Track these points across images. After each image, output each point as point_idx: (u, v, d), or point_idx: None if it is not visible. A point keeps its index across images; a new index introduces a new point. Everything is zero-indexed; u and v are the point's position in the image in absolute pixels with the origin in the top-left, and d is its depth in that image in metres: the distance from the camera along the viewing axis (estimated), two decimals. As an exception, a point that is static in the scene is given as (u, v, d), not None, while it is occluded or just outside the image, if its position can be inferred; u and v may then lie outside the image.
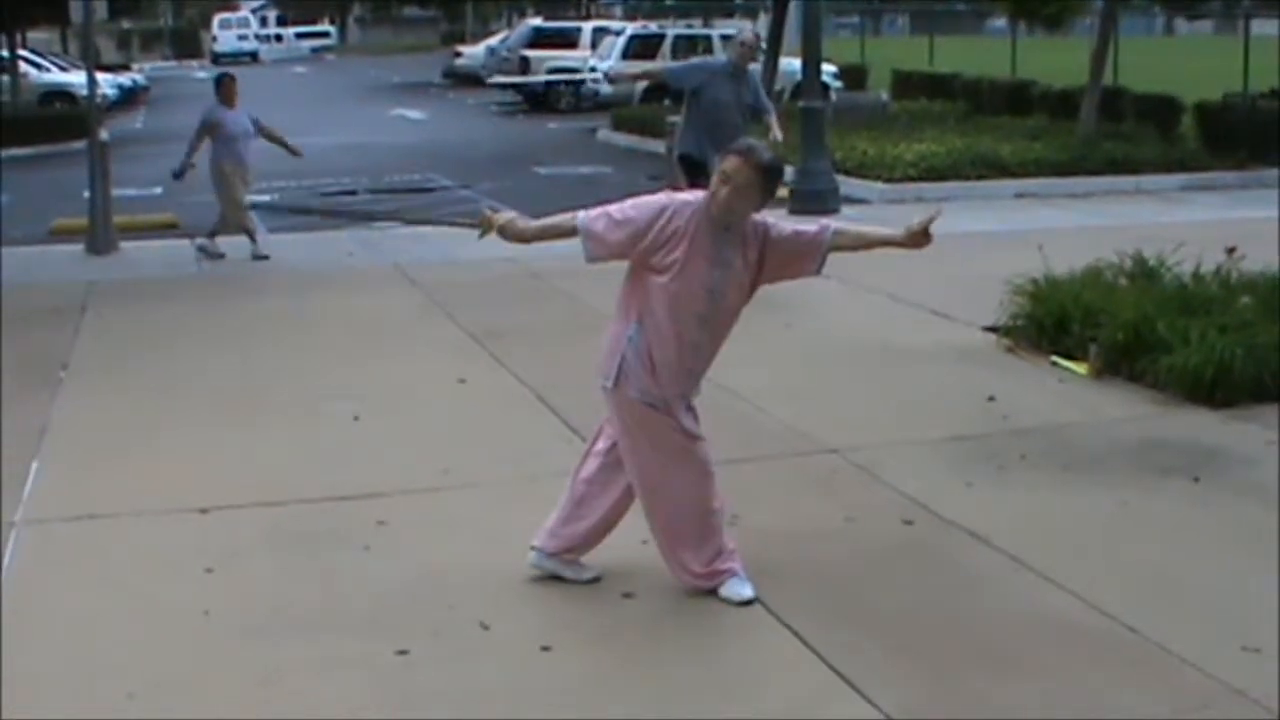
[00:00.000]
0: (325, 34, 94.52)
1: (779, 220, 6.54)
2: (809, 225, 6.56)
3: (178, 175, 16.23)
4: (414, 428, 9.30)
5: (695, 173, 14.03)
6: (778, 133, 14.59)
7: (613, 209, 6.28)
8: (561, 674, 5.80)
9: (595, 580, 6.67)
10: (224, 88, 16.14)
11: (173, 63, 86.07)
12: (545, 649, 5.98)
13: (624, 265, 6.37)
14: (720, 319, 6.40)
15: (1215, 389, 9.67)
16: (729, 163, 6.23)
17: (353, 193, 22.31)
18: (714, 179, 6.25)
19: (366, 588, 6.67)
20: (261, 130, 16.25)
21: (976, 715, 5.44)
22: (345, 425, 9.33)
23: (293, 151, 16.61)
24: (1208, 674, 5.74)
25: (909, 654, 5.95)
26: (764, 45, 35.16)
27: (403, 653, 5.94)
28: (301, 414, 9.63)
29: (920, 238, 6.40)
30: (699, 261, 6.20)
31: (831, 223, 6.63)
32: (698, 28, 44.51)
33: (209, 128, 15.92)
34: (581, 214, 6.34)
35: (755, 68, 15.27)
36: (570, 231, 6.35)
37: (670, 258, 6.19)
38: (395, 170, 25.20)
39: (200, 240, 16.09)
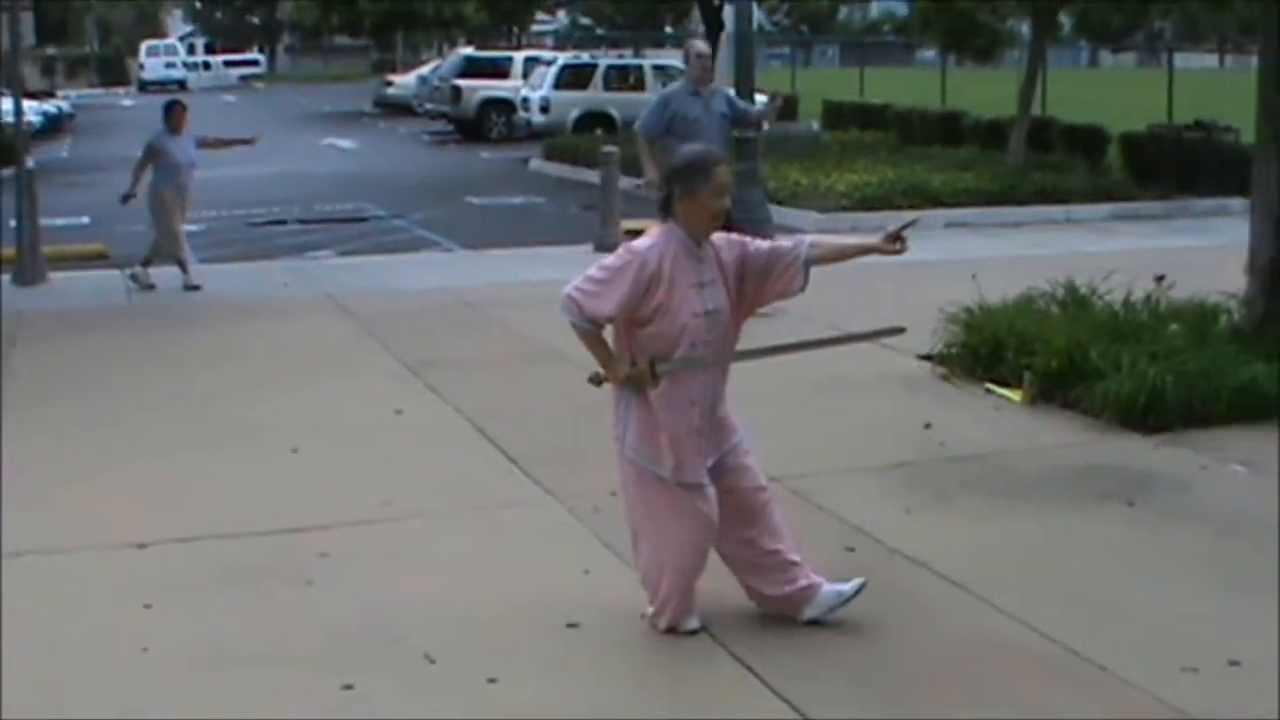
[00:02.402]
0: (254, 62, 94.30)
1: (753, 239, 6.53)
2: (785, 240, 6.55)
3: (125, 199, 16.10)
4: (353, 459, 9.27)
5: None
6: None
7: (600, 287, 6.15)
8: (509, 706, 5.78)
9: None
10: (173, 115, 16.04)
11: (99, 90, 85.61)
12: (492, 681, 5.96)
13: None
14: (723, 337, 6.33)
15: (1147, 415, 9.78)
16: (725, 173, 6.19)
17: (283, 222, 22.23)
18: (706, 194, 6.12)
19: (310, 622, 6.63)
20: (208, 144, 16.21)
21: (924, 741, 5.48)
22: (283, 457, 9.29)
23: (245, 141, 16.60)
24: (1150, 694, 5.81)
25: (859, 681, 5.98)
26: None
27: (348, 687, 5.91)
28: (239, 446, 9.59)
29: (897, 244, 6.37)
30: (684, 293, 6.15)
31: (807, 236, 6.58)
32: (629, 58, 44.58)
33: (154, 154, 15.82)
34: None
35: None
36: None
37: (653, 303, 6.14)
38: (327, 199, 25.16)
39: (132, 269, 15.98)
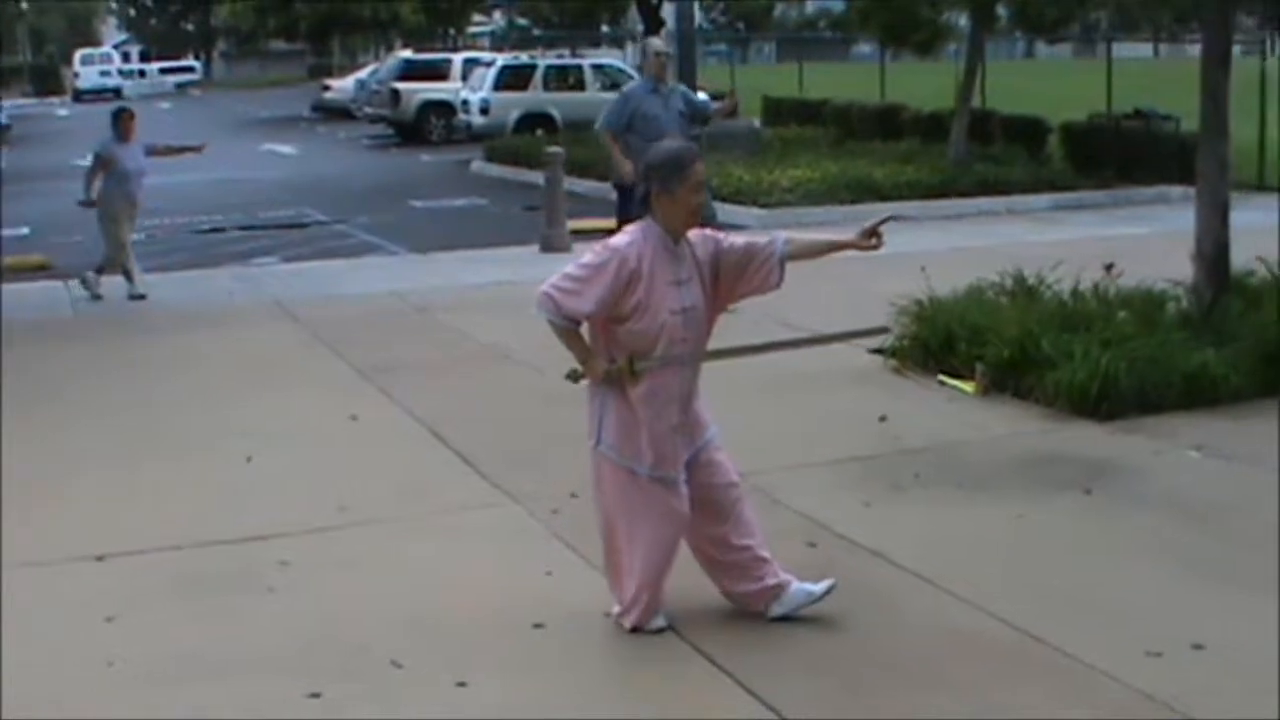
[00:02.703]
0: (190, 69, 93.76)
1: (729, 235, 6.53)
2: (759, 236, 6.55)
3: (85, 205, 15.90)
4: (308, 466, 9.23)
5: (629, 202, 13.89)
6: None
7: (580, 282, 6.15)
8: (480, 709, 5.77)
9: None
10: (121, 123, 15.86)
11: (33, 100, 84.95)
12: (461, 684, 5.95)
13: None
14: (699, 334, 6.34)
15: (1100, 402, 9.84)
16: (701, 169, 6.20)
17: (224, 229, 22.10)
18: (684, 191, 6.12)
19: (274, 630, 6.59)
20: (157, 151, 16.09)
21: (896, 732, 5.50)
22: (238, 465, 9.23)
23: (195, 149, 16.52)
24: (1116, 680, 5.85)
25: (826, 674, 6.00)
26: (635, 75, 35.42)
27: (315, 695, 5.88)
28: (193, 455, 9.52)
29: (872, 239, 6.40)
30: (662, 290, 6.15)
31: (782, 233, 6.57)
32: (568, 58, 44.54)
33: (104, 163, 15.66)
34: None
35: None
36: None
37: (632, 300, 6.14)
38: (268, 206, 25.03)
39: (84, 274, 15.82)
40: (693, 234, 6.30)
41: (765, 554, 6.50)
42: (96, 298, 15.57)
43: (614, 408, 6.25)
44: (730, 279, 6.37)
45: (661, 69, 13.99)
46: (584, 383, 6.41)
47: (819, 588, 6.49)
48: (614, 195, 14.58)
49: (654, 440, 6.21)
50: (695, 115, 14.24)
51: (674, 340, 6.19)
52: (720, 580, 6.55)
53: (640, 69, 28.50)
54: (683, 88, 14.84)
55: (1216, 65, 11.21)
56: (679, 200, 6.13)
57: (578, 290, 6.08)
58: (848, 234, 6.54)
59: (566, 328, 6.17)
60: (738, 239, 6.49)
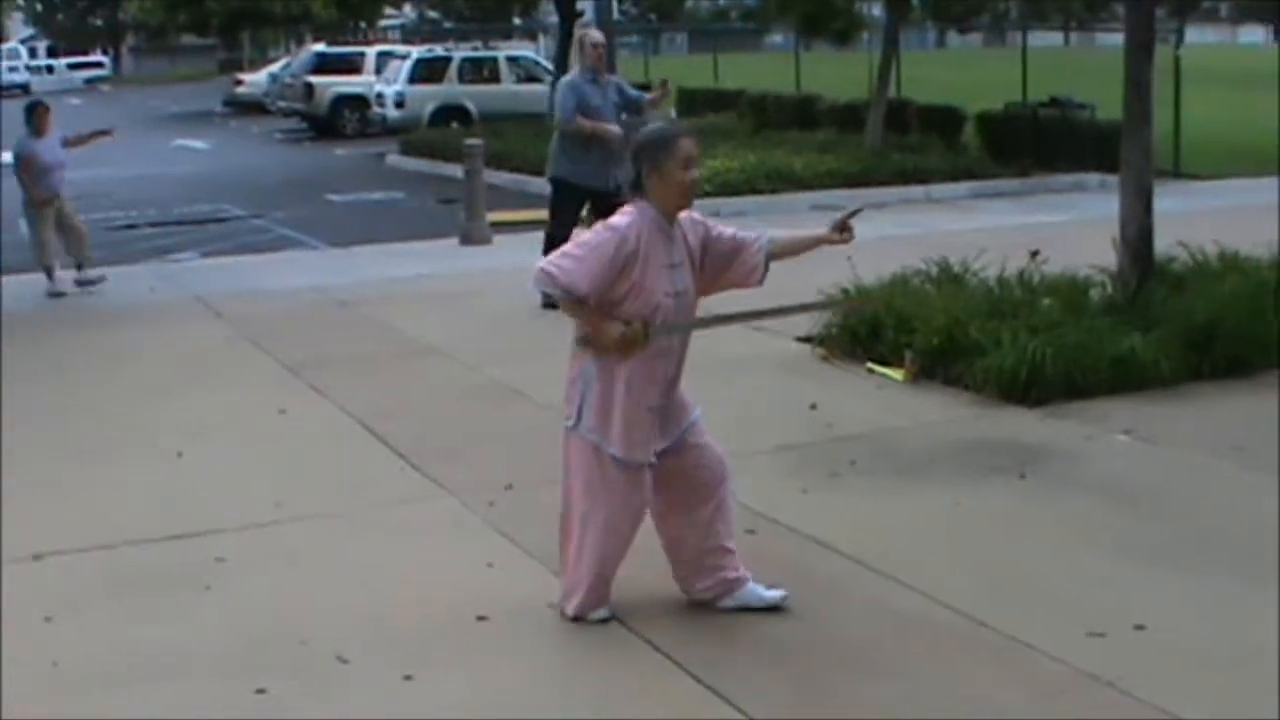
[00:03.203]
0: (99, 64, 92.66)
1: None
2: (747, 231, 6.53)
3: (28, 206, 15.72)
4: (240, 462, 9.14)
5: (567, 197, 14.00)
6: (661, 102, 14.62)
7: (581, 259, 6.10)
8: (429, 703, 5.74)
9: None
10: (36, 117, 15.67)
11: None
12: (408, 678, 5.92)
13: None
14: (689, 316, 6.34)
15: (1030, 388, 9.92)
16: (690, 145, 6.17)
17: (136, 226, 21.86)
18: (673, 167, 6.09)
19: (214, 628, 6.52)
20: (70, 143, 15.90)
21: (850, 716, 5.52)
22: (169, 462, 9.14)
23: (105, 133, 16.35)
24: (1060, 661, 5.90)
25: (771, 661, 6.02)
26: (551, 67, 35.40)
27: (261, 692, 5.83)
28: (122, 453, 9.43)
29: (844, 233, 6.45)
30: (656, 273, 6.14)
31: (766, 230, 6.58)
32: (481, 50, 44.41)
33: (25, 161, 15.46)
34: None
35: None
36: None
37: (627, 282, 6.11)
38: (183, 201, 24.80)
39: (76, 275, 15.62)
40: (683, 218, 6.28)
41: (732, 545, 6.51)
42: (58, 295, 15.36)
43: (596, 389, 6.20)
44: (716, 269, 6.38)
45: (600, 60, 14.07)
46: (579, 359, 6.31)
47: (772, 595, 6.50)
48: (549, 190, 14.48)
49: (629, 424, 6.18)
50: (629, 106, 14.29)
51: (667, 323, 6.19)
52: (681, 568, 6.54)
53: (554, 61, 28.50)
54: (617, 78, 14.89)
55: (1139, 53, 11.31)
56: (669, 177, 6.12)
57: (573, 268, 6.03)
58: (820, 229, 6.55)
59: (568, 299, 6.09)
60: (725, 229, 6.47)
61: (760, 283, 6.42)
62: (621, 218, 6.16)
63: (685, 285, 6.24)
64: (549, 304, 13.71)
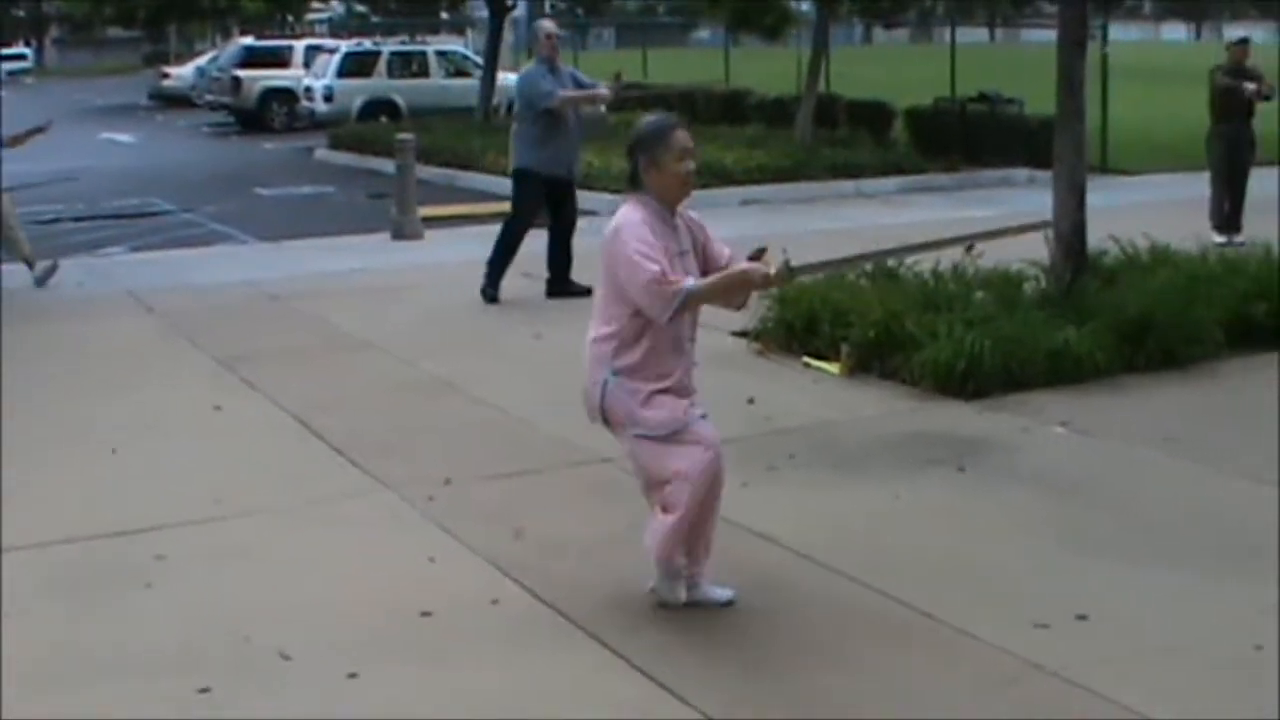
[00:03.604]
0: (22, 56, 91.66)
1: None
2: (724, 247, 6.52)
3: None
4: (176, 458, 9.06)
5: (531, 188, 13.99)
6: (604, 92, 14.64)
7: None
8: (375, 699, 5.71)
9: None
10: None
11: None
12: (353, 675, 5.88)
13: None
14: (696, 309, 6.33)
15: (966, 381, 9.97)
16: (684, 136, 6.20)
17: (60, 220, 21.61)
18: (669, 159, 6.14)
19: (156, 626, 6.46)
20: (9, 143, 15.64)
21: (795, 710, 5.53)
22: (104, 459, 9.04)
23: (41, 130, 16.15)
24: (1007, 651, 5.94)
25: (719, 655, 6.02)
26: (479, 61, 35.32)
27: (205, 690, 5.77)
28: (55, 451, 9.28)
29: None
30: (669, 259, 6.13)
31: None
32: (410, 44, 44.19)
33: None
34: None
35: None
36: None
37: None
38: (113, 195, 24.55)
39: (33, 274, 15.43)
40: (685, 214, 6.33)
41: (710, 539, 6.51)
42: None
43: (623, 388, 6.18)
44: (705, 270, 6.35)
45: (554, 50, 14.18)
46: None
47: (722, 595, 6.50)
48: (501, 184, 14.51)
49: (661, 404, 6.20)
50: (569, 108, 14.30)
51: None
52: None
53: (484, 56, 28.39)
54: (572, 69, 14.97)
55: (1072, 50, 11.40)
56: (666, 169, 6.16)
57: (661, 274, 6.01)
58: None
59: (687, 300, 6.07)
60: (722, 245, 6.49)
61: (740, 309, 6.48)
62: (627, 212, 6.17)
63: (694, 272, 6.24)
64: (492, 299, 13.79)
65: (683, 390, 6.33)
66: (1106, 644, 6.01)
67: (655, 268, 6.01)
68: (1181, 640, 6.08)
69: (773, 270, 6.14)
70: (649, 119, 6.40)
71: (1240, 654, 5.91)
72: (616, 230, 6.14)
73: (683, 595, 6.43)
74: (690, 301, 6.09)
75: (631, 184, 6.29)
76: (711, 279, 6.23)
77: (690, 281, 6.08)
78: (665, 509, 6.26)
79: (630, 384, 6.19)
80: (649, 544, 6.36)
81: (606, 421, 6.35)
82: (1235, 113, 16.71)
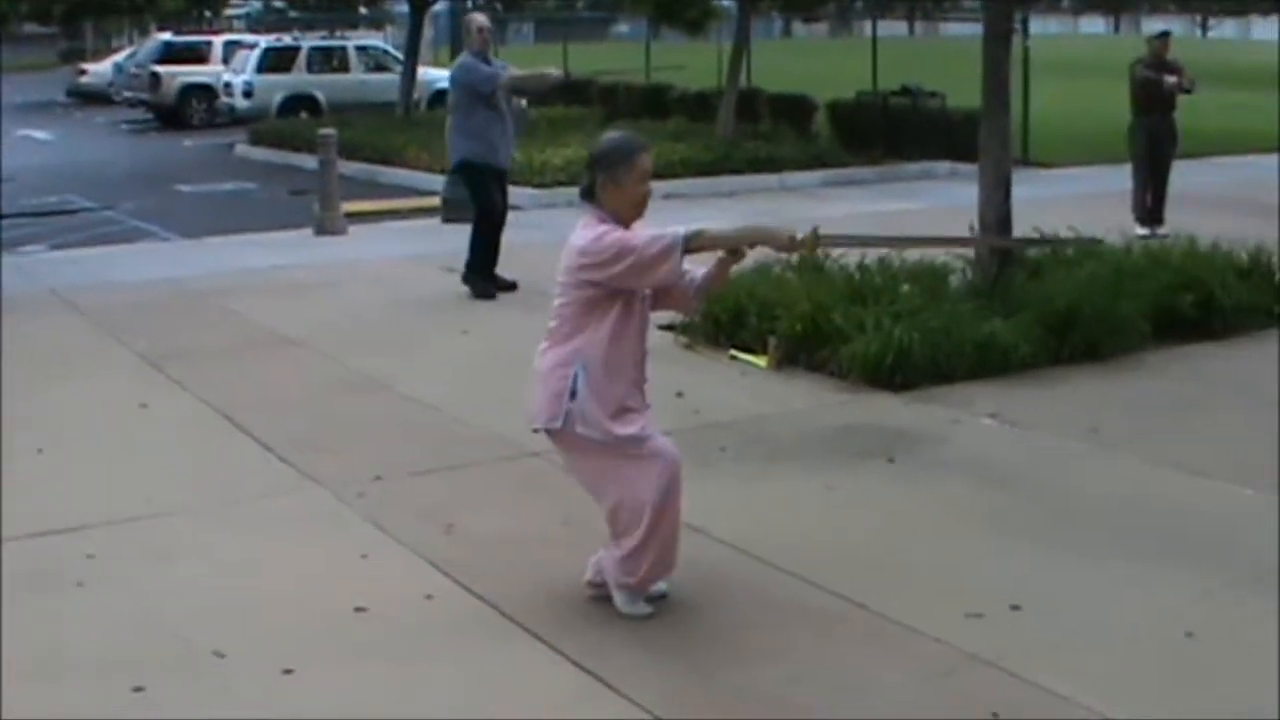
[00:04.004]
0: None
1: None
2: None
3: None
4: (103, 457, 8.98)
5: (483, 176, 14.01)
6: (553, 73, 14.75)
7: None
8: (311, 696, 5.69)
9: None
10: None
11: None
12: (288, 672, 5.85)
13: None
14: (646, 318, 6.36)
15: (894, 373, 10.03)
16: (648, 160, 6.20)
17: None
18: (630, 181, 6.10)
19: (88, 625, 6.41)
20: None
21: (731, 702, 5.55)
22: (29, 458, 8.94)
23: None
24: (943, 642, 5.98)
25: (656, 649, 6.03)
26: (399, 56, 35.17)
27: (139, 689, 5.73)
28: (-20, 450, 9.22)
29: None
30: None
31: (700, 268, 6.47)
32: (329, 39, 43.92)
33: None
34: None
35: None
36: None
37: None
38: (31, 192, 24.25)
39: None
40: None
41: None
42: None
43: (589, 383, 6.12)
44: (658, 291, 6.33)
45: (486, 44, 14.23)
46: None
47: (655, 589, 6.47)
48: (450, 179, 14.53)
49: (616, 406, 6.18)
50: (516, 90, 14.66)
51: (639, 325, 6.27)
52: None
53: (405, 51, 28.25)
54: (503, 62, 15.03)
55: (997, 43, 11.48)
56: (626, 191, 6.12)
57: (649, 233, 6.02)
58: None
59: (689, 246, 5.98)
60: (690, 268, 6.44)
61: (695, 312, 6.44)
62: (593, 224, 6.13)
63: (647, 296, 6.27)
64: (490, 295, 13.74)
65: (641, 405, 6.33)
66: (1040, 633, 6.07)
67: (648, 232, 6.00)
68: (1114, 628, 6.14)
69: (798, 235, 6.13)
70: (614, 135, 6.39)
71: (1172, 641, 5.99)
72: (596, 238, 6.06)
73: (648, 608, 6.39)
74: (698, 242, 5.99)
75: (587, 197, 6.23)
76: (736, 229, 6.25)
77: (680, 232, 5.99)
78: (621, 535, 6.27)
79: (597, 395, 6.14)
80: (622, 581, 6.32)
81: (558, 433, 6.24)
82: (1156, 106, 16.87)
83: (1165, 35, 17.43)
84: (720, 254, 6.25)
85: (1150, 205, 16.85)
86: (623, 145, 6.23)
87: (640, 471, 6.17)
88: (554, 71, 14.43)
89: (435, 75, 34.87)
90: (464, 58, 14.39)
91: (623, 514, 6.24)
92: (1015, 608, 6.28)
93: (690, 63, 32.47)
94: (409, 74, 31.35)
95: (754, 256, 11.89)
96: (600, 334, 6.14)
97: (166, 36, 45.74)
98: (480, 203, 14.10)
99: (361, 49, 40.04)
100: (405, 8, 34.41)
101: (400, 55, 35.17)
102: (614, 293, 6.13)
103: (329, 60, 38.49)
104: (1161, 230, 15.95)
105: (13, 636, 6.31)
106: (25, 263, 16.87)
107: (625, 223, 6.17)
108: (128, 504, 7.99)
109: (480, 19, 14.57)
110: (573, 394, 6.12)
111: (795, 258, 12.04)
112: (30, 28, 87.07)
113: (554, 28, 67.99)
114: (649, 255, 5.97)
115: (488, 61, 14.01)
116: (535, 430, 6.35)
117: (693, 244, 5.98)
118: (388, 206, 21.08)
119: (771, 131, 25.56)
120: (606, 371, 6.15)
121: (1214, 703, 5.47)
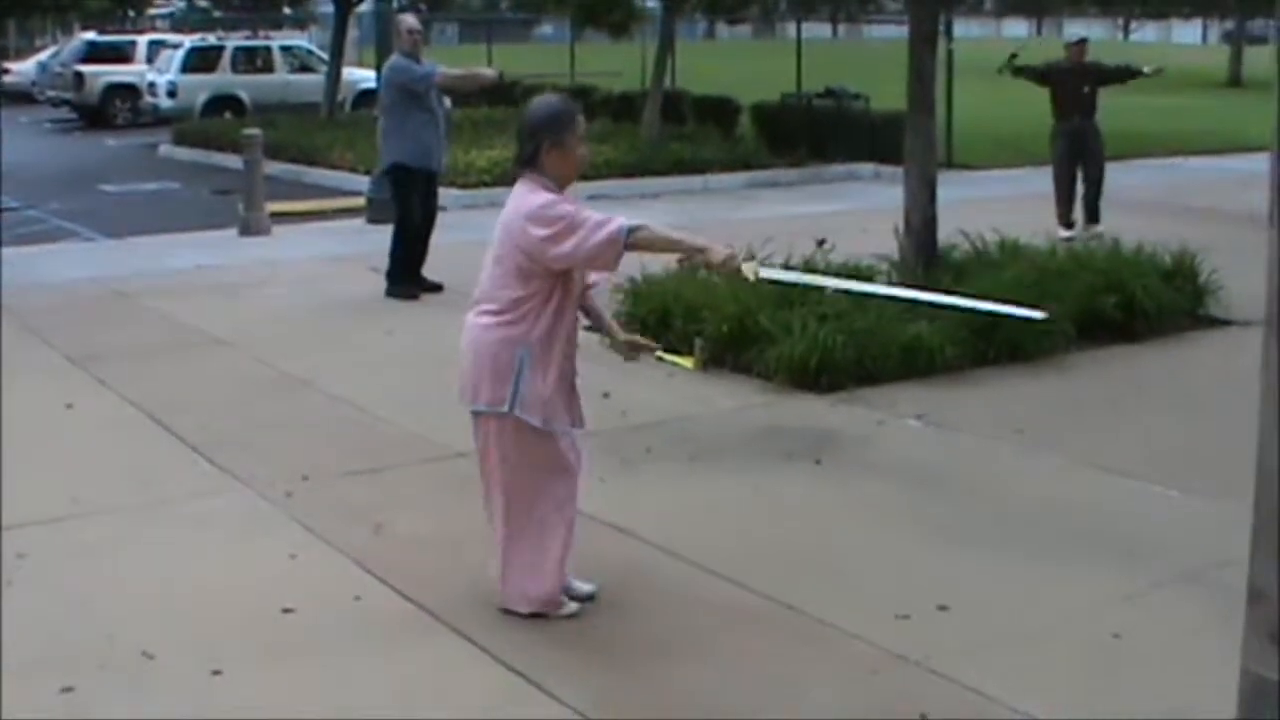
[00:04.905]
0: None
1: None
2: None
3: None
4: (29, 457, 8.89)
5: (411, 182, 13.99)
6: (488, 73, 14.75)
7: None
8: (239, 696, 5.68)
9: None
10: None
11: None
12: (216, 672, 5.84)
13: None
14: (583, 284, 6.36)
15: (820, 375, 10.09)
16: (584, 123, 6.21)
17: None
18: (574, 142, 6.10)
19: (17, 625, 6.35)
20: None
21: (659, 702, 5.58)
22: (-47, 458, 8.89)
23: None
24: (870, 643, 6.02)
25: (585, 649, 6.06)
26: (324, 56, 35.02)
27: (68, 690, 5.71)
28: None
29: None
30: None
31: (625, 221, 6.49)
32: (253, 39, 43.68)
33: None
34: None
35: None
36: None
37: None
38: (-50, 193, 24.06)
39: None
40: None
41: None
42: None
43: (534, 368, 6.09)
44: None
45: (415, 45, 14.18)
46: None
47: (585, 588, 6.50)
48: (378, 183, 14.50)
49: (556, 393, 6.20)
50: (447, 90, 14.68)
51: (584, 287, 6.30)
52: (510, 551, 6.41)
53: (330, 50, 28.12)
54: (434, 62, 14.97)
55: (922, 46, 11.58)
56: (569, 152, 6.11)
57: (596, 221, 5.91)
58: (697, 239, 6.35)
59: (630, 239, 5.91)
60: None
61: (614, 269, 6.34)
62: (534, 190, 6.07)
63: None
64: (413, 296, 13.71)
65: (573, 387, 6.38)
66: (967, 633, 6.13)
67: (595, 214, 5.95)
68: (1040, 629, 6.21)
69: (743, 268, 6.18)
70: (548, 99, 6.33)
71: (1098, 641, 6.05)
72: (546, 204, 5.98)
73: (573, 606, 6.40)
74: (637, 239, 5.94)
75: (526, 165, 6.16)
76: (679, 234, 6.30)
77: (626, 224, 5.93)
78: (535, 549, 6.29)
79: (541, 379, 6.12)
80: (534, 594, 6.31)
81: (496, 417, 6.15)
82: (1074, 110, 17.01)
83: (1083, 41, 17.59)
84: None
85: (1087, 204, 16.92)
86: (562, 108, 6.21)
87: (559, 484, 6.26)
88: (488, 71, 14.47)
89: (360, 75, 34.76)
90: (395, 58, 14.38)
91: (517, 517, 6.28)
92: (943, 608, 6.34)
93: (614, 65, 32.55)
94: (334, 74, 31.26)
95: (672, 258, 12.06)
96: (546, 311, 6.11)
97: (90, 35, 45.37)
98: (400, 210, 14.09)
99: (286, 49, 39.82)
100: (330, 8, 34.29)
101: (325, 55, 35.04)
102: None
103: (253, 60, 38.27)
104: (1098, 228, 16.07)
105: (-61, 638, 6.29)
106: (-57, 263, 16.70)
107: (563, 186, 6.13)
108: (54, 504, 7.95)
109: (410, 20, 14.58)
110: (518, 377, 6.09)
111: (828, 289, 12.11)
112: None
113: (478, 28, 67.78)
114: (593, 242, 5.89)
115: (418, 62, 14.01)
116: (475, 413, 6.23)
117: (633, 240, 5.93)
118: (313, 207, 21.02)
119: (696, 133, 25.68)
120: (549, 354, 6.14)
121: (1140, 703, 5.52)
